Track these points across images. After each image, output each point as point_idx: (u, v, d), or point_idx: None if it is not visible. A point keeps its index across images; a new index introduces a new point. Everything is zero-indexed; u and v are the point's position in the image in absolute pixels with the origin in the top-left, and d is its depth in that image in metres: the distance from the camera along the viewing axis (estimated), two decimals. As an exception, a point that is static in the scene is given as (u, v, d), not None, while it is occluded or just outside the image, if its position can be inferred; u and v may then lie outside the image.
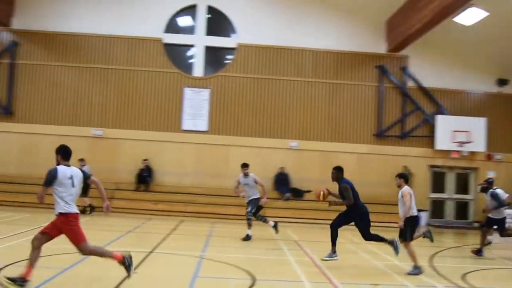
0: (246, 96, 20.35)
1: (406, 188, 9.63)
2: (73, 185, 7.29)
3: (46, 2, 19.98)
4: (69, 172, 7.29)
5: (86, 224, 14.59)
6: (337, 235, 9.77)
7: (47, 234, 7.19)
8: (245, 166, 13.40)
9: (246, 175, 13.35)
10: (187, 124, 19.98)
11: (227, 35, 20.87)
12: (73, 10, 19.99)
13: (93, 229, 14.04)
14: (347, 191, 9.80)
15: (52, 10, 19.99)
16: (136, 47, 20.00)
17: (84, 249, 7.29)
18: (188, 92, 20.07)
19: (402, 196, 9.55)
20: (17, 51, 19.98)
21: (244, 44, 20.39)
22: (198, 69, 20.41)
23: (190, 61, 20.72)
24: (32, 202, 17.45)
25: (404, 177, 9.86)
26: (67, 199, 7.17)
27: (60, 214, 7.12)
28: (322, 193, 9.97)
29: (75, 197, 7.36)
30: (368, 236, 9.82)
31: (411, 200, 9.49)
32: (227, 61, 20.83)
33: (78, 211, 7.34)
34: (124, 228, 14.05)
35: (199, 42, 20.46)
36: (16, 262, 8.52)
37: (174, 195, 18.98)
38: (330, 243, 9.79)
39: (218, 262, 9.60)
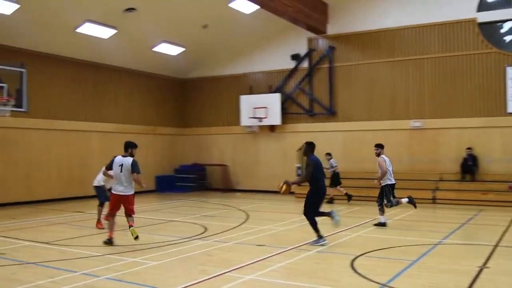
0: None
1: None
2: (120, 171, 9.79)
3: (356, 5, 20.77)
4: (119, 161, 9.91)
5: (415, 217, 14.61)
6: (315, 222, 9.80)
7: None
8: (375, 146, 12.65)
9: (377, 156, 12.50)
10: (513, 106, 18.29)
11: (552, 0, 18.41)
12: (383, 7, 20.29)
13: (427, 221, 13.93)
14: (308, 166, 9.92)
15: (363, 11, 20.69)
16: (448, 32, 19.17)
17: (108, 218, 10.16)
18: (511, 72, 18.34)
19: None
20: (333, 55, 21.33)
21: None
22: (520, 45, 18.49)
23: (509, 37, 18.90)
24: (361, 195, 18.50)
25: None
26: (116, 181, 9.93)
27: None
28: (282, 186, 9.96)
29: (119, 181, 9.83)
30: (307, 215, 9.88)
31: None
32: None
33: (116, 192, 9.86)
34: (456, 220, 13.55)
35: (518, 14, 18.51)
36: (368, 252, 8.98)
37: (503, 184, 17.57)
38: None
39: None
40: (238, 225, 12.60)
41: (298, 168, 21.27)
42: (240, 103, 22.94)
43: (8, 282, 7.06)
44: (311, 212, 9.89)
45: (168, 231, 11.83)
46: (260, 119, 22.18)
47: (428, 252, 9.09)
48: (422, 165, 19.41)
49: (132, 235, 9.59)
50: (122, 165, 9.85)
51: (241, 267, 7.93)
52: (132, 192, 10.06)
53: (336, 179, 18.19)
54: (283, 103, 22.24)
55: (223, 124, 24.34)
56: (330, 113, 21.29)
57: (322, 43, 21.69)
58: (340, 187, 18.19)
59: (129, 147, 10.14)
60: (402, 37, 19.95)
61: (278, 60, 22.56)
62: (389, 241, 10.30)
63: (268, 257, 8.67)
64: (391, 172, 12.52)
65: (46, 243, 10.22)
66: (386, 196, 12.31)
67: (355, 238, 10.76)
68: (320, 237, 9.75)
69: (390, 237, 10.88)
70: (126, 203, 9.98)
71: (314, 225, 9.81)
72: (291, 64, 22.27)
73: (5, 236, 11.09)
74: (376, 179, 12.48)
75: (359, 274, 7.40)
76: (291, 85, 22.44)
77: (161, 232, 11.73)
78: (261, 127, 22.67)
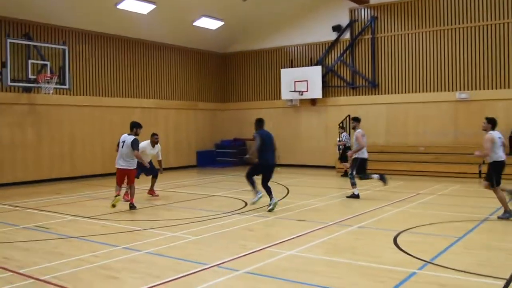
0: None
1: (489, 133, 9.69)
2: (122, 147, 11.00)
3: (400, -28, 20.11)
4: (122, 139, 11.12)
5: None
6: (253, 181, 11.07)
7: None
8: (352, 119, 13.69)
9: (353, 129, 13.28)
10: None
11: None
12: (428, -26, 19.57)
13: (473, 196, 13.54)
14: (255, 140, 10.87)
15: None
16: (498, -2, 18.31)
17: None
18: None
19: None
20: (376, 25, 20.74)
21: None
22: None
23: None
24: (404, 169, 18.18)
25: (492, 122, 9.86)
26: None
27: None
28: None
29: (121, 156, 11.01)
30: (246, 176, 11.13)
31: (494, 145, 9.50)
32: None
33: (118, 166, 11.07)
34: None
35: None
36: (411, 228, 8.76)
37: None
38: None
39: None
40: (278, 200, 12.50)
41: (339, 141, 20.95)
42: (280, 77, 22.70)
43: (52, 256, 7.18)
44: (250, 175, 11.09)
45: (209, 206, 11.86)
46: (301, 92, 21.91)
47: (474, 229, 8.80)
48: (468, 138, 18.77)
49: (114, 202, 10.85)
50: (124, 141, 11.04)
51: (281, 242, 7.86)
52: (134, 167, 11.19)
53: (344, 154, 17.86)
54: (324, 76, 21.87)
55: (263, 98, 24.19)
56: (373, 86, 20.81)
57: (364, 13, 21.09)
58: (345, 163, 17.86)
59: (134, 127, 11.34)
60: (447, 4, 19.15)
61: (319, 32, 22.12)
62: (433, 216, 10.03)
63: (308, 232, 8.56)
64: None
65: (89, 217, 10.39)
66: (353, 168, 12.72)
67: (397, 214, 10.52)
68: (257, 191, 11.11)
69: (434, 212, 10.60)
70: (129, 176, 11.24)
71: (252, 184, 11.10)
72: (332, 36, 21.80)
73: (50, 211, 11.34)
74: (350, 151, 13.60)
75: (403, 250, 7.21)
76: (333, 57, 22.00)
77: (201, 206, 11.77)
78: (302, 100, 22.39)
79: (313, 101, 22.23)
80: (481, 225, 9.13)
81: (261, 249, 7.41)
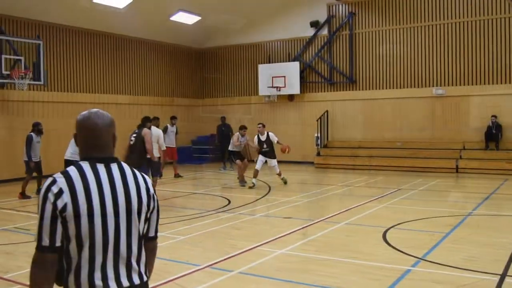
0: None
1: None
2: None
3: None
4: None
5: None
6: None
7: None
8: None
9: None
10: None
11: None
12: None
13: (453, 191, 13.71)
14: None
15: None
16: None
17: None
18: (538, 36, 17.76)
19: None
20: (354, 21, 20.82)
21: None
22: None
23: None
24: (382, 165, 18.32)
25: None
26: None
27: None
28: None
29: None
30: None
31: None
32: None
33: None
34: (483, 190, 13.30)
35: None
36: (398, 224, 8.78)
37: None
38: None
39: None
40: (262, 197, 12.47)
41: (317, 138, 21.01)
42: (258, 73, 22.62)
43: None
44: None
45: (191, 204, 11.75)
46: (278, 88, 21.86)
47: (459, 224, 8.88)
48: (444, 134, 19.04)
49: None
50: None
51: (271, 240, 7.79)
52: None
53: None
54: (302, 72, 21.86)
55: (241, 94, 24.06)
56: (350, 81, 20.88)
57: (342, 9, 21.14)
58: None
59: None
60: (423, 1, 19.34)
61: (297, 27, 22.06)
62: (417, 212, 10.10)
63: (297, 230, 8.53)
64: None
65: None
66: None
67: (382, 210, 10.55)
68: None
69: (417, 208, 10.69)
70: None
71: None
72: (310, 32, 21.79)
73: (28, 211, 11.03)
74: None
75: (394, 247, 7.22)
76: (310, 53, 22.01)
77: (184, 205, 11.64)
78: (280, 96, 22.33)
79: (290, 97, 22.21)
80: (465, 221, 9.22)
81: (252, 248, 7.34)
